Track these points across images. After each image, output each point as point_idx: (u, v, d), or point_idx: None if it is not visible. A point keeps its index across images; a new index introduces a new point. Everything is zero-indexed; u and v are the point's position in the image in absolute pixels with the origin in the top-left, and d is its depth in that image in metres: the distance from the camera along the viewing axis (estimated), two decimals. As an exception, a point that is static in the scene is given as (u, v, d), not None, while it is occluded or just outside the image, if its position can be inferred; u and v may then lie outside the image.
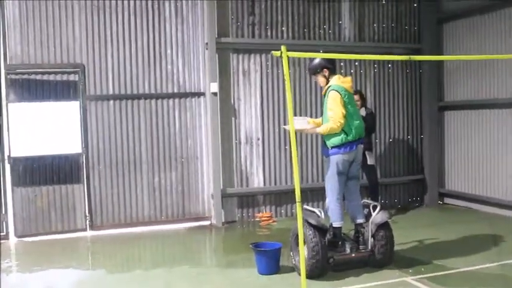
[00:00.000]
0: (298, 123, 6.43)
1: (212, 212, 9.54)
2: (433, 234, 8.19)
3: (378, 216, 6.52)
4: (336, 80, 6.49)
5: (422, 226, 8.97)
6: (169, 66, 9.45)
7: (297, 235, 6.19)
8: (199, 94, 9.60)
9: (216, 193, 9.41)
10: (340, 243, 6.51)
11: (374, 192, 9.26)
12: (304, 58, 9.69)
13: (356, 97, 8.97)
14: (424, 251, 7.34)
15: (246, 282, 6.33)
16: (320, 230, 6.26)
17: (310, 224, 6.23)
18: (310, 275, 6.08)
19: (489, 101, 9.71)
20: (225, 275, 6.66)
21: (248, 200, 9.77)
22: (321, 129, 6.42)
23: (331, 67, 6.59)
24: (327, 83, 6.56)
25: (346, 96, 6.39)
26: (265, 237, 8.38)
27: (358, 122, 6.50)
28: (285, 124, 9.42)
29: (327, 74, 6.58)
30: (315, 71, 6.65)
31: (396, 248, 7.34)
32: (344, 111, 6.32)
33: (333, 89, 6.39)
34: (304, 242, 6.19)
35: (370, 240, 6.48)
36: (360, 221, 6.61)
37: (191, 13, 9.52)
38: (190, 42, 9.55)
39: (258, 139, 9.80)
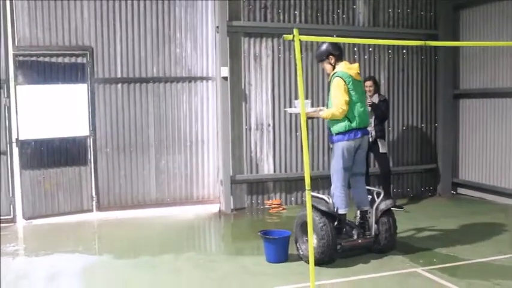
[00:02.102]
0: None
1: (221, 198, 9.45)
2: (446, 225, 8.08)
3: (382, 202, 6.61)
4: (342, 67, 6.47)
5: (434, 216, 8.82)
6: (178, 50, 9.34)
7: (302, 223, 6.33)
8: (207, 78, 9.50)
9: (226, 179, 9.31)
10: (345, 229, 6.54)
11: (386, 181, 9.09)
12: (317, 42, 9.50)
13: (369, 83, 8.86)
14: (435, 242, 7.22)
15: (254, 270, 6.25)
16: (330, 216, 6.30)
17: (319, 211, 6.25)
18: (320, 262, 6.08)
19: (505, 90, 9.49)
20: (233, 263, 6.58)
21: (258, 187, 9.67)
22: (324, 114, 6.43)
23: (337, 54, 6.54)
24: (334, 70, 6.52)
25: (351, 83, 6.36)
26: (274, 225, 8.30)
27: (362, 109, 6.48)
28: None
29: (332, 61, 6.55)
30: (321, 58, 6.65)
31: (407, 238, 7.28)
32: (347, 98, 6.30)
33: (337, 76, 6.38)
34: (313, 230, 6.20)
35: (374, 226, 6.56)
36: (365, 208, 6.66)
37: (201, -4, 9.38)
38: (199, 25, 9.41)
39: (269, 125, 9.67)
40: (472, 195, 10.36)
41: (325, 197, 6.53)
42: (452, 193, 10.68)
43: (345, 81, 6.31)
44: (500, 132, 9.67)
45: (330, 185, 9.57)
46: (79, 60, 8.83)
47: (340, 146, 6.39)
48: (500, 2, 9.50)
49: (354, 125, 6.37)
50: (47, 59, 8.66)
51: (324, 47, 6.56)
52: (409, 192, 10.55)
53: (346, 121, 6.35)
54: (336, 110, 6.27)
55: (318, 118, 7.16)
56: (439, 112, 10.64)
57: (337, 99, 6.27)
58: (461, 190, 10.67)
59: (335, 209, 6.41)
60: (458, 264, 6.35)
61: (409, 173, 10.58)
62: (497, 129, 9.75)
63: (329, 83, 6.57)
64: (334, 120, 6.39)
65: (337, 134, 6.41)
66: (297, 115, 9.09)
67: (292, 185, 9.80)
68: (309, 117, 6.77)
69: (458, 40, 10.40)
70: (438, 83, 10.61)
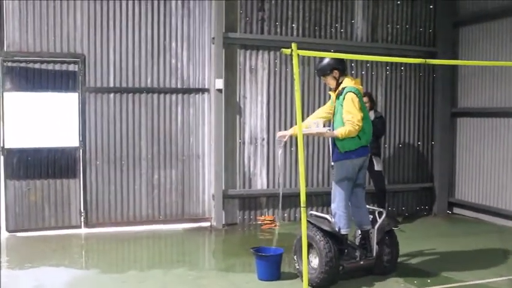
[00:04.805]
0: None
1: (212, 213, 9.24)
2: (441, 245, 7.94)
3: (383, 222, 6.40)
4: (349, 82, 6.26)
5: (429, 236, 8.70)
6: (173, 60, 9.15)
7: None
8: (203, 90, 9.30)
9: (218, 194, 9.10)
10: (346, 250, 6.30)
11: (381, 199, 8.95)
12: (314, 57, 9.40)
13: (365, 99, 8.66)
14: (430, 262, 7.09)
15: (245, 288, 6.06)
16: (333, 236, 6.08)
17: (324, 231, 6.03)
18: (322, 284, 5.95)
19: (504, 109, 9.40)
20: (224, 280, 6.41)
21: (250, 202, 9.47)
22: (339, 133, 6.08)
23: (341, 68, 6.34)
24: (337, 85, 6.32)
25: (361, 99, 6.23)
26: (266, 242, 8.09)
27: (369, 126, 6.35)
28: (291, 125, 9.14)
29: (337, 75, 6.33)
30: (325, 72, 6.40)
31: (402, 258, 7.16)
32: (362, 114, 6.11)
33: (350, 91, 6.14)
34: (313, 249, 6.08)
35: (375, 247, 6.36)
36: (367, 227, 6.42)
37: (198, 6, 9.22)
38: (196, 36, 9.25)
39: (263, 139, 9.49)
40: (467, 215, 10.22)
41: (327, 216, 6.30)
42: (448, 213, 10.54)
43: (358, 97, 6.12)
44: (498, 152, 9.54)
45: (323, 202, 9.56)
46: (70, 67, 8.62)
47: (347, 164, 6.18)
48: (500, 20, 9.43)
49: (363, 142, 6.19)
50: (36, 66, 8.44)
51: (327, 61, 6.33)
52: (404, 211, 10.38)
53: (357, 138, 6.12)
54: (353, 127, 5.98)
55: (329, 137, 6.75)
56: (436, 130, 10.52)
57: (353, 116, 6.01)
58: (457, 210, 10.52)
59: (337, 229, 6.19)
60: (454, 285, 6.23)
61: (405, 191, 10.42)
62: (494, 149, 9.62)
63: (336, 98, 6.30)
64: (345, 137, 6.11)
65: (346, 151, 6.16)
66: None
67: (285, 201, 9.56)
68: (315, 135, 6.61)
69: (457, 57, 10.31)
70: (436, 100, 10.49)
